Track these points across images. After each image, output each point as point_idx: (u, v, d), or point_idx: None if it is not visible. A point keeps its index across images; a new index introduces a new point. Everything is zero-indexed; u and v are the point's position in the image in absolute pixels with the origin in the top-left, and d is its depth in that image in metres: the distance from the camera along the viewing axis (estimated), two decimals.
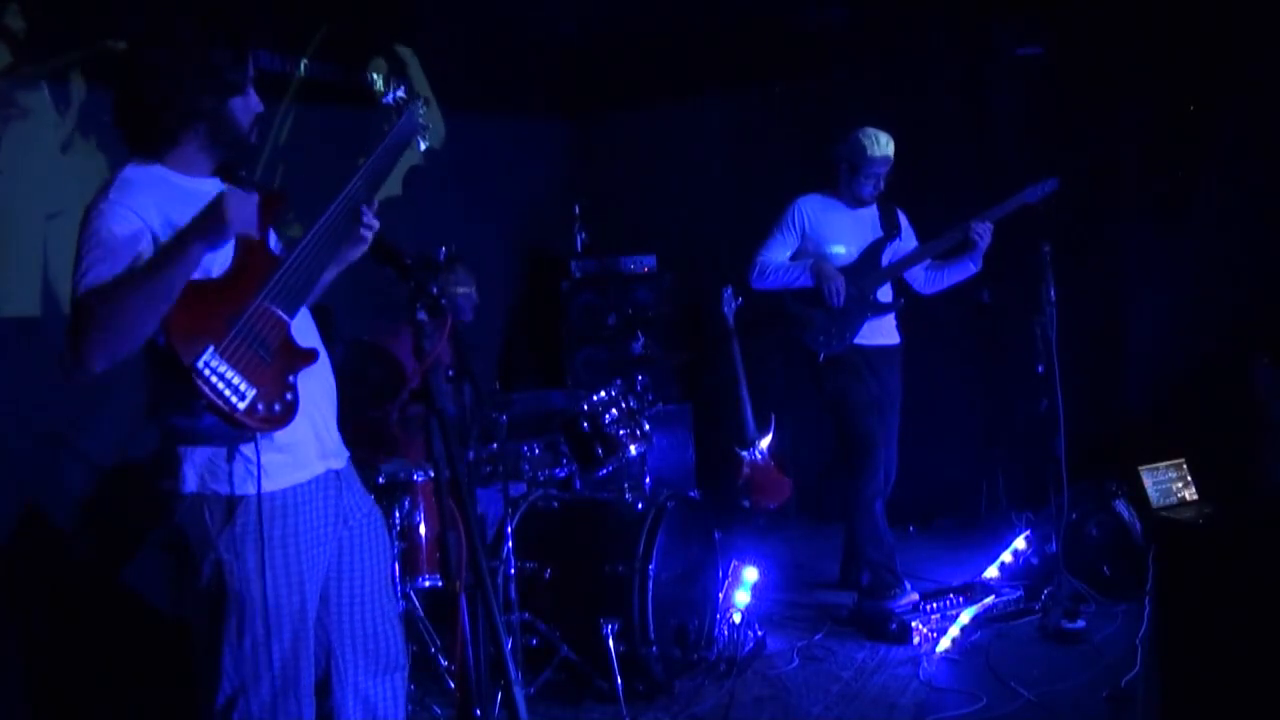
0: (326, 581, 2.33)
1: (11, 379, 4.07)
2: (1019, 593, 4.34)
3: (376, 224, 2.34)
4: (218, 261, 2.16)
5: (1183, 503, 4.70)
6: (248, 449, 2.15)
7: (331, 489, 2.33)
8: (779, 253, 4.52)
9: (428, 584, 3.58)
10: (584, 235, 6.38)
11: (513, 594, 3.55)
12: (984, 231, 4.35)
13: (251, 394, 2.06)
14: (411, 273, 1.98)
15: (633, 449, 4.07)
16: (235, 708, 2.18)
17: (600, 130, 6.97)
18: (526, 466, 4.07)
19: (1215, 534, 2.93)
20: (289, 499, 2.22)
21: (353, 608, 2.38)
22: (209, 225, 2.06)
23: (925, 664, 3.88)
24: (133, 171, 2.18)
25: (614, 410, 4.08)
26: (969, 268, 4.50)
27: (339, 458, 2.38)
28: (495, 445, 3.75)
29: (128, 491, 4.18)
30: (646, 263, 6.20)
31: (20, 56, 4.23)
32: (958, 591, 4.32)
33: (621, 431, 4.06)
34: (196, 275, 2.09)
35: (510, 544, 3.58)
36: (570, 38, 5.96)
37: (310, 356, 2.23)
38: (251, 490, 2.15)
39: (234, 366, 2.05)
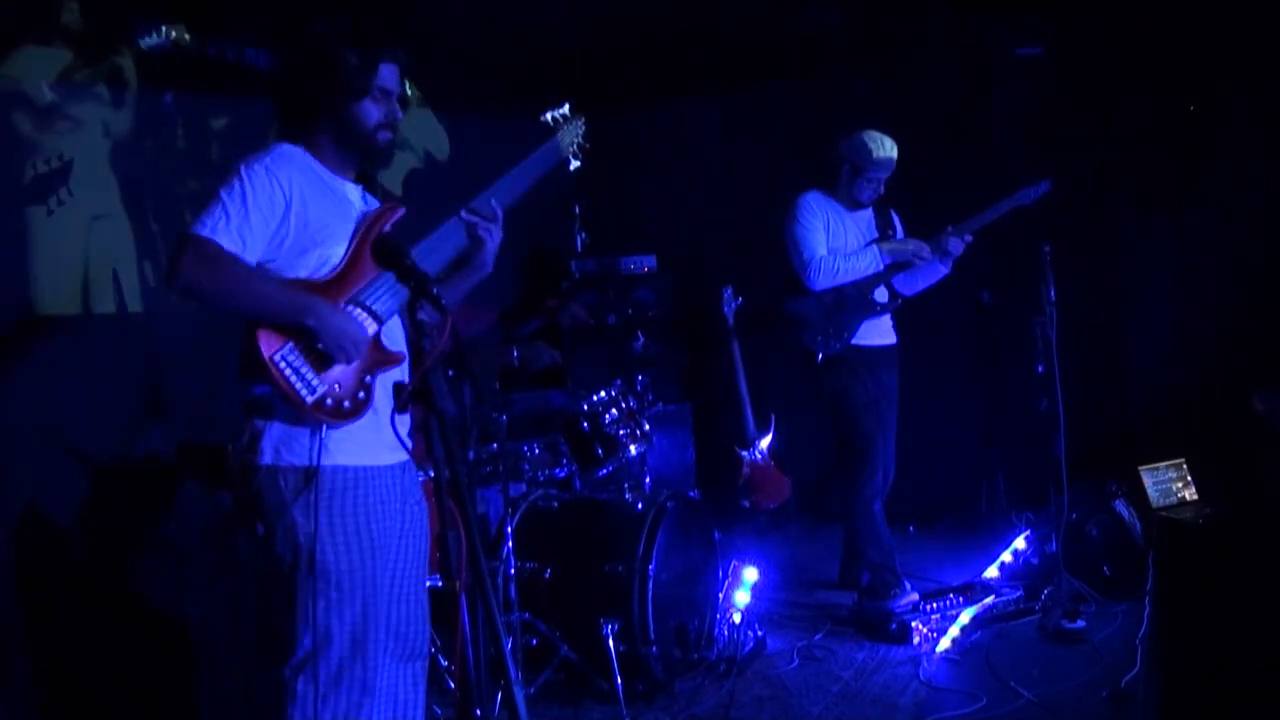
0: None
1: (12, 378, 4.07)
2: (1019, 593, 4.35)
3: (497, 227, 2.45)
4: (329, 262, 2.32)
5: (1183, 503, 4.69)
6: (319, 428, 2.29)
7: (399, 475, 2.44)
8: (821, 246, 4.41)
9: (428, 584, 3.58)
10: (584, 235, 6.38)
11: (513, 594, 3.55)
12: (955, 245, 4.37)
13: (321, 389, 2.23)
14: (412, 273, 1.98)
15: (633, 449, 4.08)
16: (304, 670, 2.28)
17: (600, 130, 6.95)
18: (526, 466, 4.07)
19: (1215, 534, 2.92)
20: (360, 474, 2.33)
21: (390, 591, 2.45)
22: (325, 340, 2.23)
23: (925, 664, 3.88)
24: (285, 146, 2.36)
25: (614, 410, 4.08)
26: (939, 270, 4.50)
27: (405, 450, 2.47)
28: (495, 445, 3.75)
29: (128, 491, 4.19)
30: (646, 263, 6.20)
31: (79, 55, 4.32)
32: (958, 591, 4.32)
33: (621, 431, 4.06)
34: (303, 274, 2.29)
35: (510, 544, 3.58)
36: (570, 38, 5.96)
37: (395, 360, 2.37)
38: (326, 462, 2.28)
39: (308, 361, 2.22)
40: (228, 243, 2.21)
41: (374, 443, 2.35)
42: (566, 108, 2.72)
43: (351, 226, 2.37)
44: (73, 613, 3.80)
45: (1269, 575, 2.64)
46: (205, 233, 2.20)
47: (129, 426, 4.32)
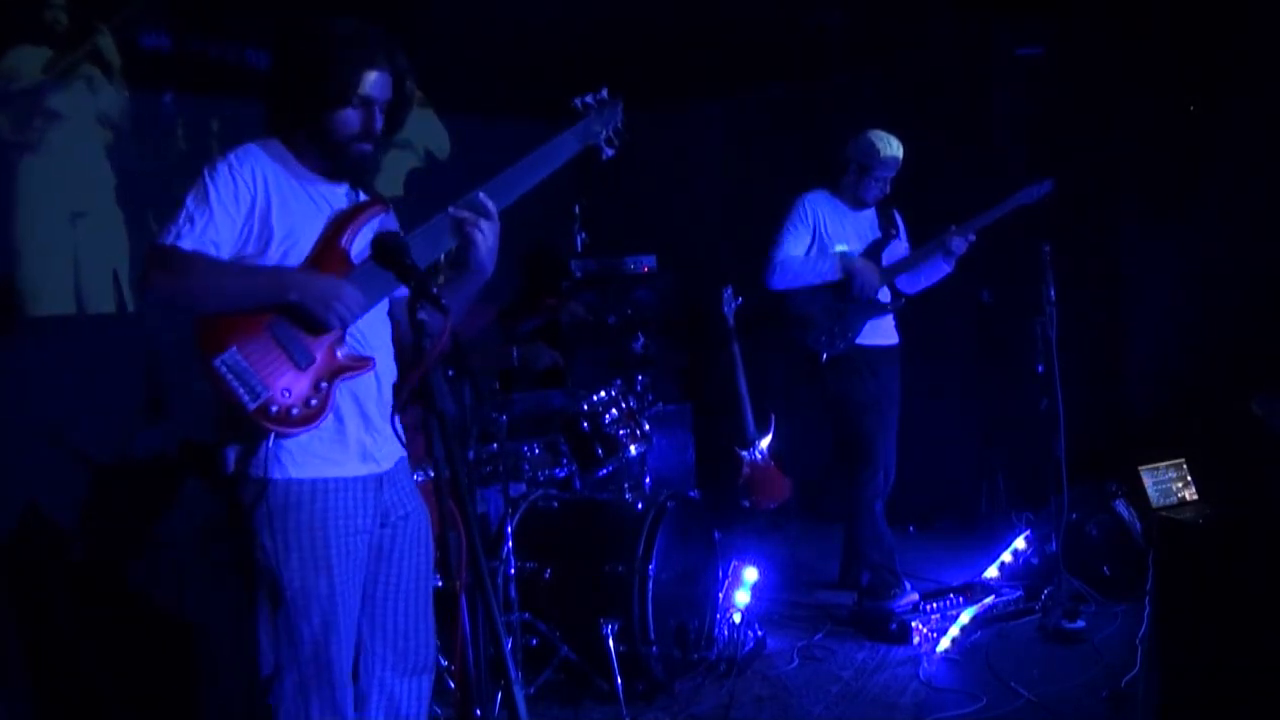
0: (365, 578, 2.35)
1: (12, 378, 4.07)
2: (1019, 593, 4.35)
3: (490, 223, 2.31)
4: (290, 260, 2.24)
5: (1183, 503, 4.69)
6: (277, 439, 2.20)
7: (371, 488, 2.33)
8: (795, 249, 4.47)
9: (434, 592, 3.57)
10: (584, 235, 6.37)
11: (513, 594, 3.55)
12: (960, 245, 4.36)
13: (265, 394, 2.13)
14: (412, 273, 1.97)
15: (633, 449, 4.07)
16: (272, 685, 2.24)
17: None
18: (526, 466, 4.06)
19: (1215, 534, 2.92)
20: (318, 487, 2.25)
21: (385, 604, 2.40)
22: (311, 308, 2.16)
23: (925, 664, 3.88)
24: (256, 143, 2.29)
25: (614, 410, 4.08)
26: (942, 268, 4.49)
27: (386, 460, 2.37)
28: (495, 445, 3.75)
29: (128, 491, 4.19)
30: (646, 263, 6.19)
31: (61, 47, 4.30)
32: (958, 591, 4.33)
33: (621, 431, 4.06)
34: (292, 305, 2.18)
35: (510, 544, 3.58)
36: (571, 39, 5.96)
37: (359, 365, 2.26)
38: (278, 475, 2.20)
39: (254, 366, 2.13)
40: (192, 246, 2.16)
41: (336, 453, 2.27)
42: (605, 91, 2.56)
43: (322, 224, 2.29)
44: (73, 613, 3.79)
45: (1269, 575, 2.65)
46: (169, 240, 2.15)
47: (129, 426, 4.32)
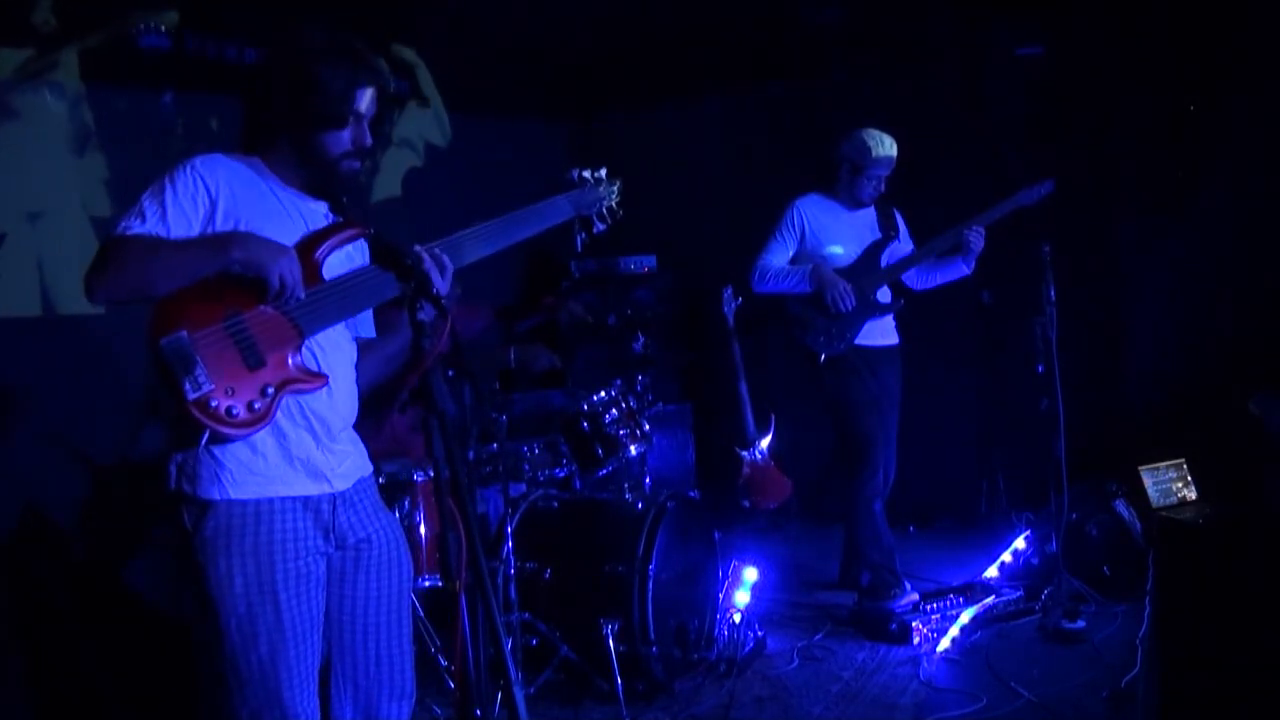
0: (328, 600, 2.28)
1: (11, 379, 4.07)
2: (1019, 593, 4.35)
3: (441, 276, 2.22)
4: None
5: (1183, 503, 4.69)
6: (219, 451, 2.12)
7: (325, 509, 2.25)
8: (779, 256, 4.51)
9: (428, 584, 3.58)
10: (584, 235, 6.37)
11: (513, 594, 3.55)
12: (977, 237, 4.35)
13: (207, 388, 2.01)
14: (413, 273, 1.97)
15: (633, 449, 4.08)
16: (224, 710, 2.17)
17: (600, 131, 6.96)
18: (526, 466, 4.07)
19: (1215, 534, 2.92)
20: (262, 508, 2.16)
21: (353, 629, 2.32)
22: (256, 262, 2.06)
23: (925, 664, 3.88)
24: (225, 154, 2.23)
25: (614, 410, 4.08)
26: (961, 269, 4.48)
27: (341, 481, 2.29)
28: (495, 445, 3.75)
29: (128, 491, 4.19)
30: (646, 263, 6.20)
31: (44, 51, 4.28)
32: (958, 591, 4.32)
33: (621, 431, 4.06)
34: (236, 268, 2.08)
35: (510, 544, 3.58)
36: (570, 39, 5.96)
37: (310, 379, 2.17)
38: (219, 496, 2.12)
39: (201, 356, 2.01)
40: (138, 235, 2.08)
41: (282, 471, 2.17)
42: (604, 171, 2.58)
43: (296, 235, 2.20)
44: (73, 613, 3.80)
45: (1269, 575, 2.65)
46: (116, 233, 2.06)
47: (129, 426, 4.32)
